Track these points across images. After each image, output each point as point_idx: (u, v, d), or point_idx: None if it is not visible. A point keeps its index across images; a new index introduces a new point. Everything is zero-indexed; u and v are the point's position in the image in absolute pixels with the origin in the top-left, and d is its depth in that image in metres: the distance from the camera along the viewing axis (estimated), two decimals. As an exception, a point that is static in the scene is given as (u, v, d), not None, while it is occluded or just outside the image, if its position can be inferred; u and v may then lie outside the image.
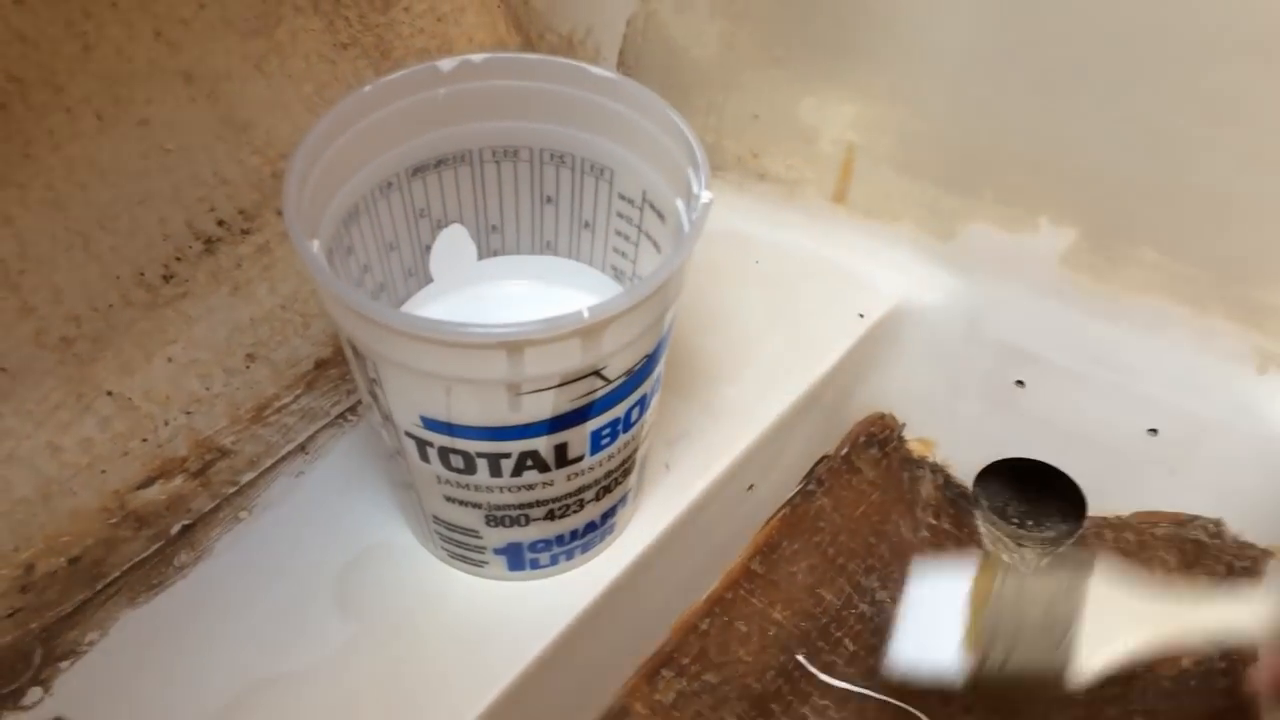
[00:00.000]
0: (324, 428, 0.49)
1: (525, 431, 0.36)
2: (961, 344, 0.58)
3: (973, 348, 0.58)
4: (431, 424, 0.36)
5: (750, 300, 0.56)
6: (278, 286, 0.50)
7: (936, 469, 0.65)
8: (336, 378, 0.50)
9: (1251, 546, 0.55)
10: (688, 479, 0.48)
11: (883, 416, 0.63)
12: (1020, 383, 0.58)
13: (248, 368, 0.48)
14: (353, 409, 0.50)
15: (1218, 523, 0.56)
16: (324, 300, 0.35)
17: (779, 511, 0.59)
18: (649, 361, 0.37)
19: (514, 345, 0.32)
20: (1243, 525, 0.55)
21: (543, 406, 0.35)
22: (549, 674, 0.44)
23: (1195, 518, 0.57)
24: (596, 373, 0.35)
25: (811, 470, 0.61)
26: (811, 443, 0.59)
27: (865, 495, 0.63)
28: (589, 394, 0.36)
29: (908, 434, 0.64)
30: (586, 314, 0.32)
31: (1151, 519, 0.59)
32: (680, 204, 0.38)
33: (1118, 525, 0.60)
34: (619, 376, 0.36)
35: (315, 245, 0.35)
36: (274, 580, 0.44)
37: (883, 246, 0.58)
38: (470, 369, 0.33)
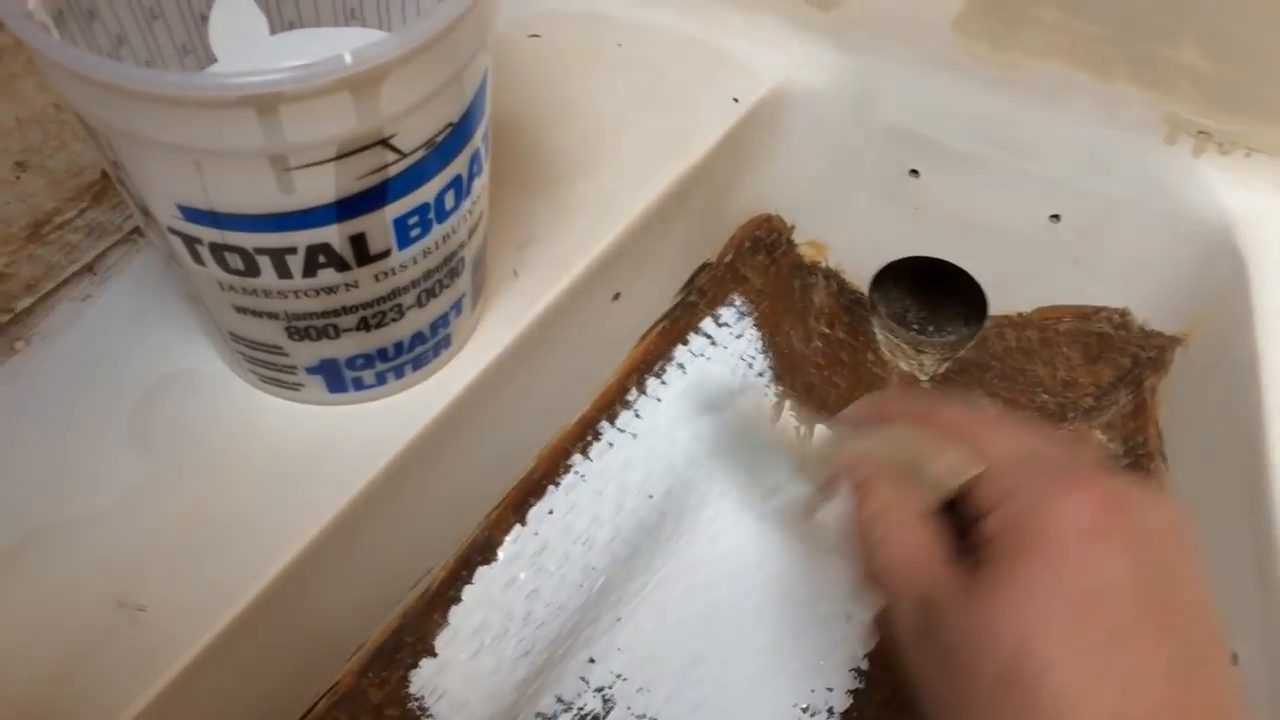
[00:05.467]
0: (115, 245, 0.43)
1: (308, 219, 0.30)
2: (850, 131, 0.53)
3: (862, 135, 0.53)
4: (193, 214, 0.30)
5: (611, 88, 0.50)
6: (49, 84, 0.42)
7: (830, 274, 0.60)
8: (129, 188, 0.44)
9: (1158, 335, 0.52)
10: (538, 285, 0.43)
11: (769, 219, 0.58)
12: (914, 172, 0.53)
13: (18, 178, 0.41)
14: (150, 223, 0.44)
15: (1123, 312, 0.52)
16: (41, 67, 0.29)
17: (657, 325, 0.54)
18: (456, 132, 0.31)
19: (263, 100, 0.26)
20: (1149, 313, 0.52)
21: (323, 186, 0.29)
22: (384, 507, 0.39)
23: (1100, 309, 0.53)
24: (384, 142, 0.29)
25: (692, 279, 0.55)
26: (689, 248, 0.54)
27: (754, 305, 0.58)
28: (379, 170, 0.30)
29: (797, 237, 0.59)
30: (349, 57, 0.26)
31: (1055, 314, 0.55)
32: (487, -62, 0.32)
33: (1020, 323, 0.56)
34: (417, 149, 0.30)
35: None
36: (56, 416, 0.38)
37: (759, 21, 0.51)
38: (216, 137, 0.27)
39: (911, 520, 0.33)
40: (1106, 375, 0.55)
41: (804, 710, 0.49)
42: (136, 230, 0.43)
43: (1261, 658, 0.40)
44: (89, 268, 0.42)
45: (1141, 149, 0.48)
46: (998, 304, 0.57)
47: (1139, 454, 0.52)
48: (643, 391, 0.53)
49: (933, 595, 0.31)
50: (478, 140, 0.33)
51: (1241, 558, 0.43)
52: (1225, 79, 0.45)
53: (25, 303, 0.41)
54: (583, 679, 0.49)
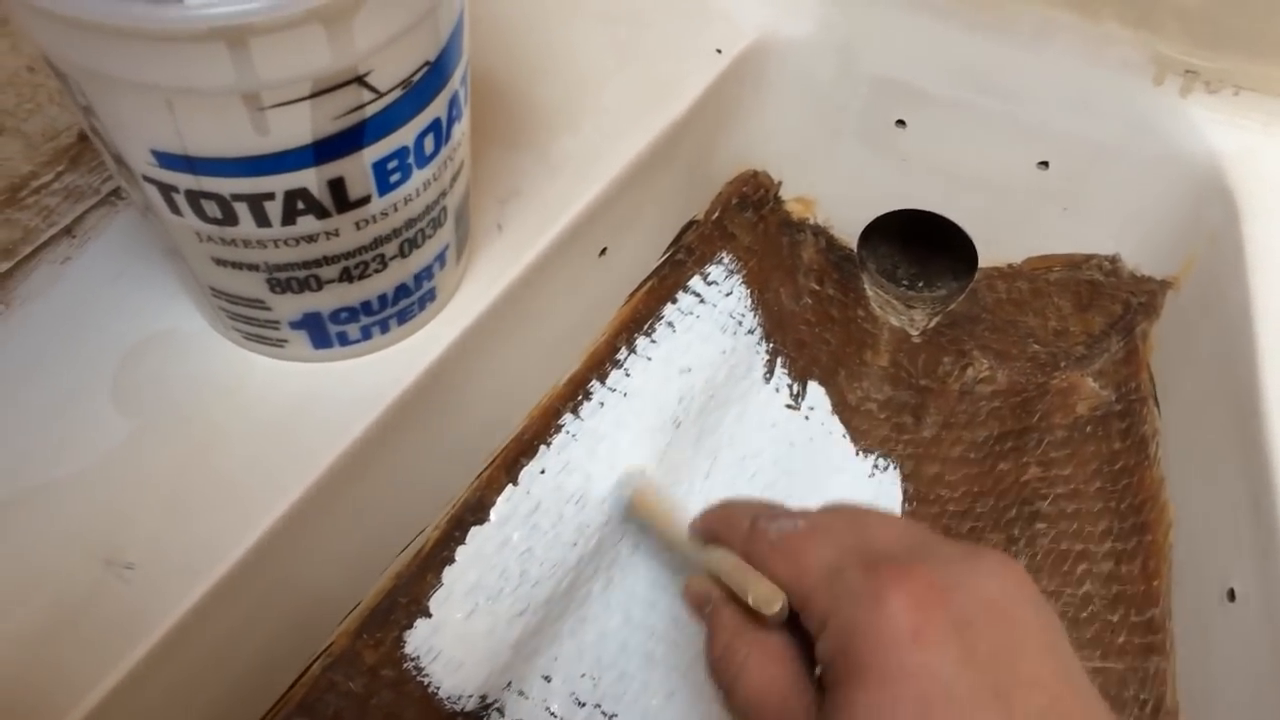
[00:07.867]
0: (93, 207, 0.42)
1: (284, 162, 0.29)
2: (835, 82, 0.52)
3: (847, 86, 0.52)
4: (168, 160, 0.29)
5: (590, 39, 0.49)
6: (21, 44, 0.42)
7: (818, 231, 0.60)
8: (107, 150, 0.43)
9: (1149, 279, 0.51)
10: (523, 240, 0.43)
11: (756, 174, 0.58)
12: (901, 122, 0.53)
13: (-7, 142, 0.41)
14: (129, 185, 0.43)
15: (1113, 259, 0.52)
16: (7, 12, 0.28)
17: (645, 283, 0.54)
18: (433, 73, 0.31)
19: (232, 33, 0.25)
20: (1140, 258, 0.51)
21: (298, 126, 0.28)
22: (372, 465, 0.39)
23: (1090, 256, 0.53)
24: (359, 80, 0.28)
25: (679, 237, 0.55)
26: (675, 205, 0.54)
27: (742, 263, 0.57)
28: (357, 110, 0.29)
29: (785, 193, 0.59)
30: (320, -13, 0.25)
31: (1045, 263, 0.54)
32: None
33: (1010, 275, 0.56)
34: (393, 88, 0.30)
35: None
36: (37, 378, 0.37)
37: (740, -30, 0.51)
38: (187, 73, 0.26)
39: (757, 654, 0.33)
40: (1098, 323, 0.54)
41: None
42: (115, 193, 0.43)
43: (1258, 595, 0.40)
44: (68, 231, 0.41)
45: (1129, 90, 0.47)
46: (987, 256, 0.56)
47: (1131, 400, 0.52)
48: (633, 350, 0.53)
49: None
50: (456, 83, 0.33)
51: (1237, 496, 0.42)
52: (1211, 15, 0.44)
53: (3, 267, 0.40)
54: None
